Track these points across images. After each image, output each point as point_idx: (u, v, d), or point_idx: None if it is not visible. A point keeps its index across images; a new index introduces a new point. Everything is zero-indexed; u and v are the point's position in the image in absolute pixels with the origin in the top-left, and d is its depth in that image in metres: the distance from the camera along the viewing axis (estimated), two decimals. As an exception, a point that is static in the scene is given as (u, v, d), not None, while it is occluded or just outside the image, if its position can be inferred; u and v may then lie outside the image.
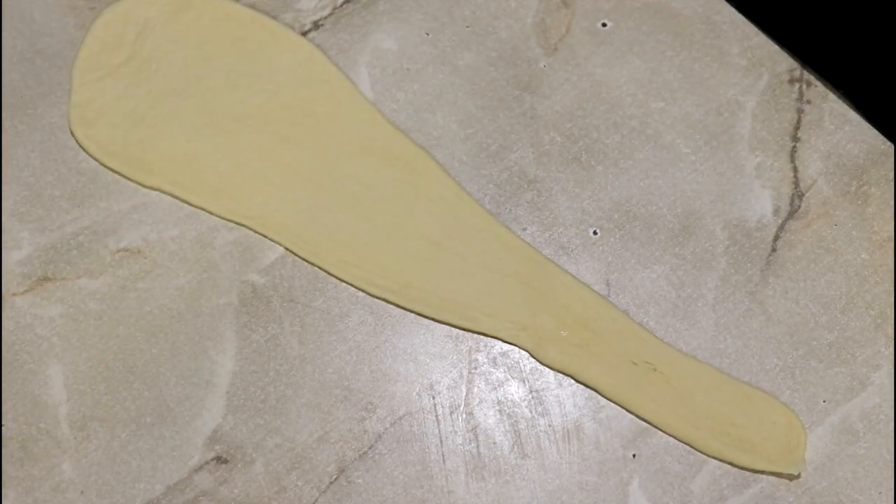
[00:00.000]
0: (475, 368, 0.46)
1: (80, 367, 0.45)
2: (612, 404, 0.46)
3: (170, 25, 0.49)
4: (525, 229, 0.48)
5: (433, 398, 0.46)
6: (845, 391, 0.46)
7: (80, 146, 0.48)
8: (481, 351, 0.46)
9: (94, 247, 0.47)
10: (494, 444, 0.45)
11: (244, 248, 0.47)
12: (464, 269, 0.47)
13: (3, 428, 0.44)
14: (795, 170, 0.50)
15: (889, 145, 0.51)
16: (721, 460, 0.45)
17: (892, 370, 0.47)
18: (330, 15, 0.51)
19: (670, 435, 0.45)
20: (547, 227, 0.48)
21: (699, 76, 0.51)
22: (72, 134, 0.48)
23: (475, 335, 0.47)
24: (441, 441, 0.45)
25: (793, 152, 0.50)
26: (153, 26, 0.49)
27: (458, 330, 0.47)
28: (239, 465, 0.44)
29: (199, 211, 0.47)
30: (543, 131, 0.50)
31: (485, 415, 0.45)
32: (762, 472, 0.45)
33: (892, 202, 0.50)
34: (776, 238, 0.49)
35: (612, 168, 0.49)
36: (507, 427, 0.45)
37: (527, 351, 0.46)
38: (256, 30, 0.49)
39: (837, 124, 0.51)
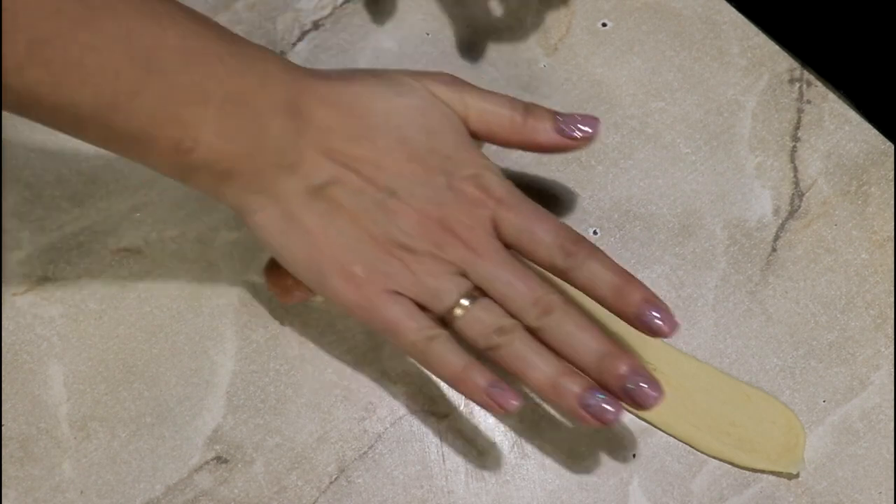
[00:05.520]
0: (475, 368, 0.46)
1: (80, 367, 0.45)
2: (612, 404, 0.46)
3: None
4: (525, 229, 0.48)
5: (433, 398, 0.46)
6: (845, 391, 0.46)
7: None
8: (481, 351, 0.46)
9: (94, 247, 0.47)
10: (494, 444, 0.45)
11: (244, 248, 0.47)
12: (464, 269, 0.47)
13: (3, 428, 0.44)
14: (795, 170, 0.50)
15: (889, 145, 0.51)
16: (721, 460, 0.45)
17: (892, 370, 0.47)
18: (330, 15, 0.51)
19: (670, 435, 0.45)
20: (547, 227, 0.48)
21: (699, 76, 0.51)
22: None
23: (475, 335, 0.47)
24: (441, 441, 0.45)
25: (793, 152, 0.50)
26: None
27: (458, 330, 0.47)
28: (239, 465, 0.44)
29: (200, 211, 0.47)
30: (543, 131, 0.50)
31: (485, 414, 0.45)
32: (762, 472, 0.45)
33: (892, 202, 0.50)
34: (776, 238, 0.49)
35: (612, 168, 0.49)
36: (507, 427, 0.45)
37: (527, 351, 0.46)
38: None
39: (837, 124, 0.51)
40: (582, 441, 0.45)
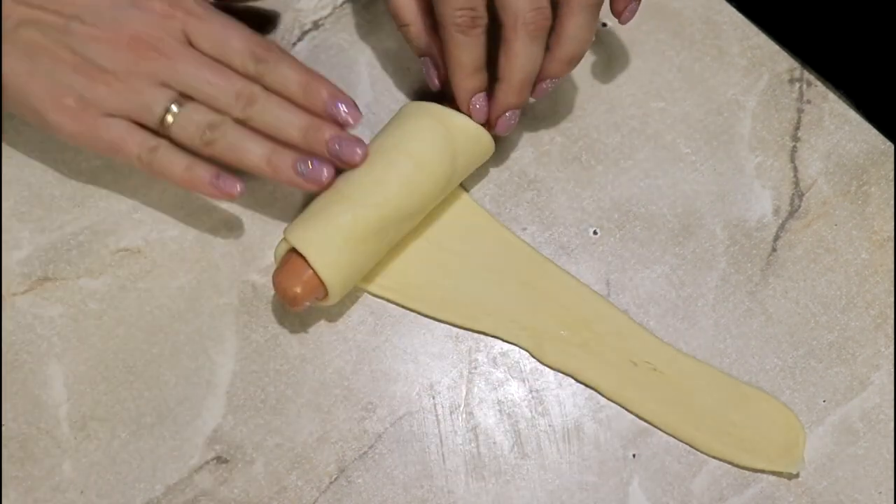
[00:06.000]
0: (475, 368, 0.46)
1: (80, 367, 0.45)
2: (612, 404, 0.46)
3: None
4: (525, 229, 0.48)
5: (433, 398, 0.46)
6: (845, 391, 0.46)
7: None
8: (481, 351, 0.46)
9: (94, 247, 0.47)
10: (494, 444, 0.45)
11: (244, 248, 0.47)
12: (464, 269, 0.47)
13: (3, 428, 0.44)
14: (795, 170, 0.50)
15: (889, 145, 0.51)
16: (721, 460, 0.45)
17: (892, 370, 0.47)
18: (330, 15, 0.51)
19: (670, 435, 0.45)
20: (547, 227, 0.48)
21: (699, 76, 0.51)
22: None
23: (475, 335, 0.47)
24: (441, 441, 0.45)
25: (793, 152, 0.50)
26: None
27: (458, 330, 0.47)
28: (239, 465, 0.44)
29: (200, 210, 0.47)
30: (543, 131, 0.50)
31: (485, 415, 0.45)
32: (762, 472, 0.45)
33: (892, 202, 0.50)
34: (776, 238, 0.49)
35: (612, 168, 0.49)
36: (507, 427, 0.45)
37: (527, 351, 0.46)
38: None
39: (837, 124, 0.51)
40: (582, 440, 0.45)
